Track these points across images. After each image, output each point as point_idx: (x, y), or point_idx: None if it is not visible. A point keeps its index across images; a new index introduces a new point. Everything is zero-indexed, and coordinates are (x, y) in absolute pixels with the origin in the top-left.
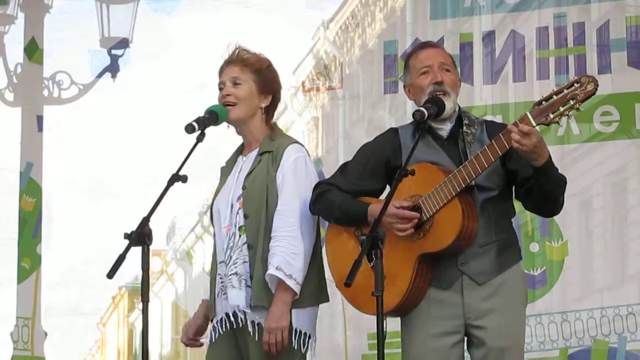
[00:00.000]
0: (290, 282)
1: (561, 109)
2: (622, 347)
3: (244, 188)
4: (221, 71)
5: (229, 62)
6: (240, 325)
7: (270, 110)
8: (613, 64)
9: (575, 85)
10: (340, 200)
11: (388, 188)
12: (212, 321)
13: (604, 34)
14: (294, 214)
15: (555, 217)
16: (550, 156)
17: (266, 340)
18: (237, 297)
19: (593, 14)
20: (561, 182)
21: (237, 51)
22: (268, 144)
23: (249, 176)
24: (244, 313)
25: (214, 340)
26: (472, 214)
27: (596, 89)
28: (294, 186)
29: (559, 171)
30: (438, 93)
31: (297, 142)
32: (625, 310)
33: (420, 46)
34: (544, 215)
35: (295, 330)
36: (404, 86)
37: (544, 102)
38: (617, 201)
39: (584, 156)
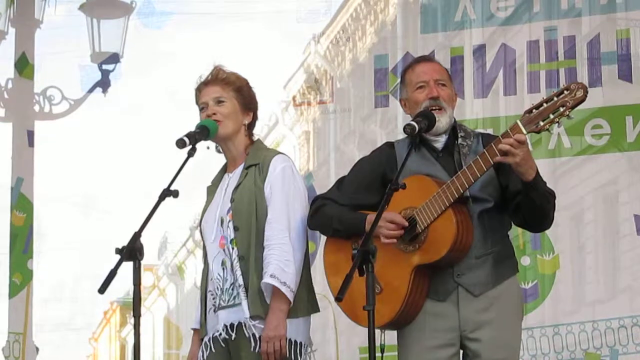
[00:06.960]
0: (284, 289)
1: (551, 116)
2: None
3: (232, 201)
4: (199, 92)
5: (208, 83)
6: (234, 337)
7: (251, 127)
8: (604, 77)
9: (565, 92)
10: (338, 213)
11: None
12: (202, 340)
13: (595, 47)
14: (284, 223)
15: (546, 231)
16: (538, 170)
17: (264, 350)
18: (244, 309)
19: (584, 28)
20: (550, 196)
21: (215, 71)
22: (253, 158)
23: (237, 189)
24: (246, 324)
25: (205, 357)
26: (467, 225)
27: (586, 95)
28: (282, 196)
29: (550, 184)
30: (434, 108)
31: (282, 153)
32: (617, 323)
33: (417, 60)
34: (533, 230)
35: (289, 340)
36: (400, 100)
37: (534, 110)
38: (608, 214)
39: (575, 169)
